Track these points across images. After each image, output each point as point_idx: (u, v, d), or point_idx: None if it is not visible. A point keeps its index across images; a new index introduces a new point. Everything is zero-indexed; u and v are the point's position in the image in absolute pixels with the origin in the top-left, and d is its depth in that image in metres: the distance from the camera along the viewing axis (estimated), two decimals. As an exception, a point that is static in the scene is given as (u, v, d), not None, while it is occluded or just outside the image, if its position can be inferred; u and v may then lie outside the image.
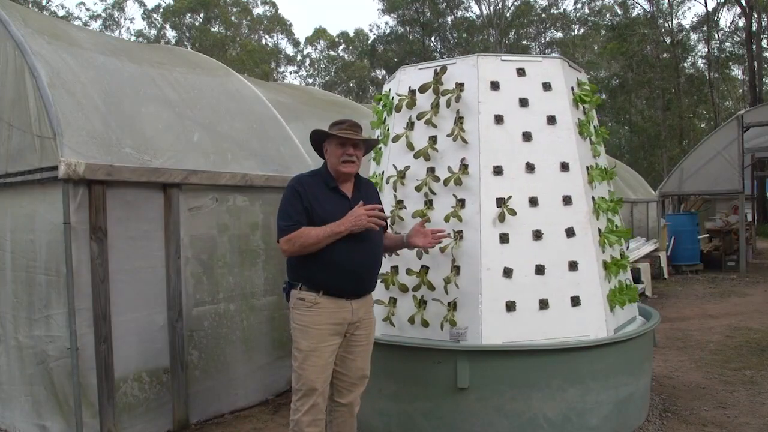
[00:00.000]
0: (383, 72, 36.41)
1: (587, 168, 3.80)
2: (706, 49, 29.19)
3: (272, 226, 4.58)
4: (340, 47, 41.61)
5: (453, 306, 3.49)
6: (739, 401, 4.26)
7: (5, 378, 3.88)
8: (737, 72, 32.90)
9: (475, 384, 3.29)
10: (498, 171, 3.63)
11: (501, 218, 3.52)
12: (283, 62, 39.99)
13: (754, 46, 25.33)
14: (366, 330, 2.95)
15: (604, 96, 29.69)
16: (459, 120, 3.73)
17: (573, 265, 3.55)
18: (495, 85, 3.76)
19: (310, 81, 39.71)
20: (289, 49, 40.70)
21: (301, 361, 2.76)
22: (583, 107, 3.98)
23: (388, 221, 3.41)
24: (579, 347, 3.37)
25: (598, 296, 3.54)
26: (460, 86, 3.76)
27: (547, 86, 3.80)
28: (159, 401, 3.84)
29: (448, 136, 3.74)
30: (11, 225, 3.78)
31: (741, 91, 33.72)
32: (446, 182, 3.65)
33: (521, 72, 3.81)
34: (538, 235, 3.55)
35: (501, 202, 3.55)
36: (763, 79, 26.14)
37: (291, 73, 41.32)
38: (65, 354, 3.42)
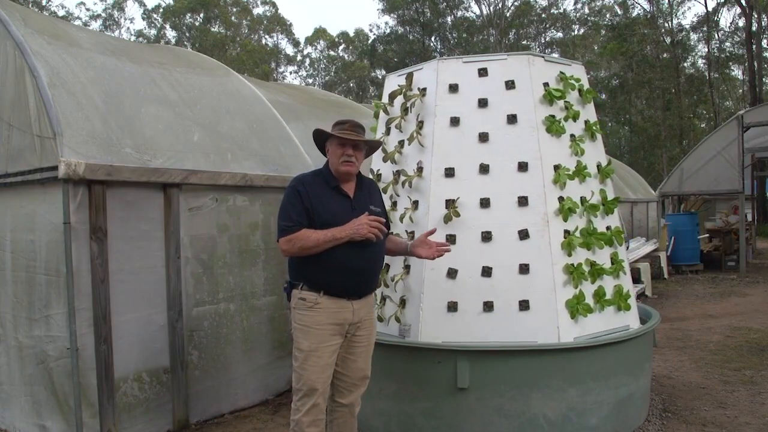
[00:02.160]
0: (383, 72, 36.40)
1: (555, 167, 3.65)
2: (706, 49, 29.21)
3: (272, 226, 4.58)
4: (340, 47, 41.61)
5: (402, 303, 3.60)
6: (739, 401, 4.26)
7: (5, 378, 3.88)
8: (737, 72, 32.93)
9: (475, 384, 3.29)
10: (450, 173, 3.67)
11: (446, 220, 3.55)
12: (283, 62, 40.00)
13: (754, 46, 25.33)
14: (367, 331, 2.94)
15: (604, 96, 29.70)
16: (419, 124, 3.83)
17: (524, 268, 3.47)
18: (453, 88, 3.80)
19: (310, 81, 39.73)
20: (289, 49, 40.75)
21: (302, 361, 2.76)
22: (564, 103, 3.81)
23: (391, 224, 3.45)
24: (579, 347, 3.37)
25: (552, 302, 3.41)
26: (422, 91, 3.87)
27: (510, 84, 3.75)
28: (159, 401, 3.84)
29: (407, 140, 3.86)
30: (11, 225, 3.78)
31: (741, 91, 33.71)
32: (403, 185, 3.78)
33: (483, 72, 3.81)
34: (487, 236, 3.54)
35: (450, 203, 3.58)
36: (763, 79, 26.13)
37: (291, 73, 41.36)
38: (65, 354, 3.42)
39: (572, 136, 3.80)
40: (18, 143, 3.64)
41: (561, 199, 3.61)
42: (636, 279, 8.55)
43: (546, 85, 3.78)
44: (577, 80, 3.93)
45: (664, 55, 28.68)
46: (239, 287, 4.39)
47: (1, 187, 3.79)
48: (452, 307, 3.49)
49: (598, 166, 3.95)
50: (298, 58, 40.76)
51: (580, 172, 3.74)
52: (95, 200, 3.45)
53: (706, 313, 7.72)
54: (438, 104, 3.79)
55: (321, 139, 2.98)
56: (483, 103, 3.74)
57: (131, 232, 3.70)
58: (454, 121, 3.75)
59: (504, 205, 3.57)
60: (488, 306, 3.45)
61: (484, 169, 3.64)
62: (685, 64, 29.62)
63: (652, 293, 9.08)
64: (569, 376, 3.33)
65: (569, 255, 3.55)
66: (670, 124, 28.19)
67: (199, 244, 4.11)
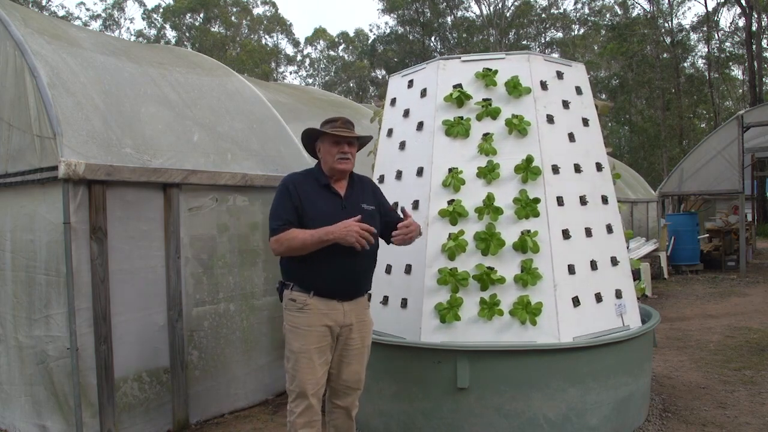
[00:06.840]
0: (383, 72, 36.40)
1: (450, 170, 3.62)
2: (706, 49, 29.22)
3: (272, 226, 4.60)
4: (340, 47, 41.61)
5: None
6: (739, 401, 4.26)
7: (5, 378, 3.88)
8: (737, 72, 32.94)
9: (475, 384, 3.29)
10: (381, 179, 4.09)
11: None
12: (283, 62, 39.99)
13: (754, 46, 25.34)
14: (361, 333, 2.87)
15: (604, 96, 29.67)
16: (378, 138, 4.32)
17: (408, 269, 3.70)
18: (393, 102, 4.23)
19: (310, 81, 39.74)
20: (289, 49, 40.76)
21: (294, 362, 2.72)
22: (483, 101, 3.70)
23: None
24: (579, 347, 3.37)
25: (419, 303, 3.54)
26: (383, 107, 4.36)
27: (423, 93, 3.99)
28: (159, 401, 3.84)
29: (369, 152, 4.42)
30: (11, 225, 3.78)
31: (741, 91, 33.72)
32: None
33: (410, 84, 4.10)
34: None
35: None
36: (763, 79, 26.12)
37: (291, 73, 41.41)
38: (65, 354, 3.42)
39: (485, 135, 3.68)
40: (18, 143, 3.64)
41: (451, 201, 3.59)
42: (636, 279, 8.54)
43: (458, 86, 3.79)
44: (495, 73, 3.74)
45: (664, 55, 28.67)
46: (239, 287, 4.39)
47: (1, 187, 3.79)
48: (368, 296, 3.85)
49: (527, 165, 3.62)
50: (298, 58, 40.80)
51: (489, 173, 3.61)
52: (95, 200, 3.45)
53: (706, 313, 7.72)
54: (385, 118, 4.27)
55: (311, 139, 2.92)
56: (406, 113, 4.09)
57: (131, 232, 3.70)
58: (389, 133, 4.17)
59: (406, 208, 3.77)
60: (385, 300, 3.81)
61: (398, 175, 3.97)
62: (685, 64, 29.62)
63: (652, 293, 9.08)
64: (569, 376, 3.33)
65: (451, 259, 3.52)
66: (670, 124, 28.19)
67: (199, 244, 4.11)
